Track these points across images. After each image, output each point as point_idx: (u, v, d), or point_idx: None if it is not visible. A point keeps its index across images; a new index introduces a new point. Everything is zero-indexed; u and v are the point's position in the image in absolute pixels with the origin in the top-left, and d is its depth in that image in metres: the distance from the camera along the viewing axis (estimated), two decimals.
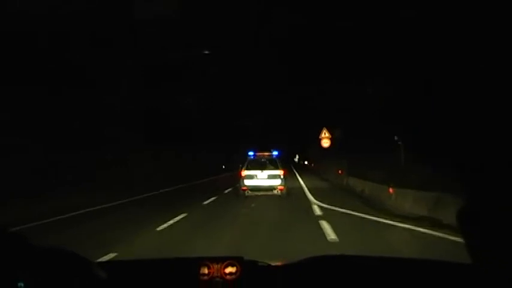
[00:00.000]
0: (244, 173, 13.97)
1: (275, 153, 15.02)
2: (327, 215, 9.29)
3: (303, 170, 38.69)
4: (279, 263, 1.68)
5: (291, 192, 14.40)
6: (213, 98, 31.07)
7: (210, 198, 13.64)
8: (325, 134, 22.13)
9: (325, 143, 22.11)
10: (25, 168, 12.57)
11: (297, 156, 69.72)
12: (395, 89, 13.35)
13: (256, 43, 21.69)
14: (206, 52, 19.43)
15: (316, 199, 12.77)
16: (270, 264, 1.61)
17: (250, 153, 14.85)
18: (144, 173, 20.62)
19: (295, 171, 35.17)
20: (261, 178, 13.88)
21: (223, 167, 40.92)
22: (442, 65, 9.66)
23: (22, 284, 0.98)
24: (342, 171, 19.37)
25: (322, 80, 22.84)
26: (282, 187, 13.75)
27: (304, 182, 21.15)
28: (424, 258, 1.75)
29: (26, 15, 11.73)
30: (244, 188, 13.83)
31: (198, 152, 32.92)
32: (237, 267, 1.48)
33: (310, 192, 15.23)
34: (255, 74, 28.41)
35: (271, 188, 13.75)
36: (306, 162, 51.86)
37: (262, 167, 14.06)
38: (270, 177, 13.90)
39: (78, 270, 1.13)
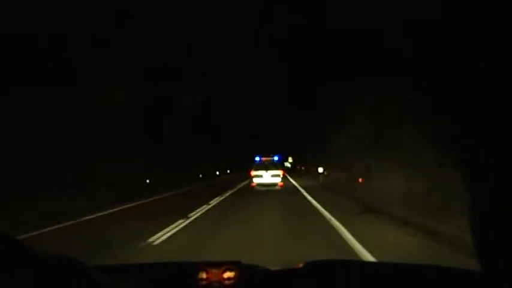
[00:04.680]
0: (253, 173, 17.45)
1: (276, 158, 19.10)
2: None
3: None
4: (277, 268, 1.67)
5: None
6: (212, 98, 31.01)
7: None
8: None
9: None
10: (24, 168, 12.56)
11: (290, 159, 48.91)
12: (395, 88, 13.28)
13: (256, 43, 21.67)
14: None
15: None
16: (268, 269, 1.60)
17: (257, 158, 18.36)
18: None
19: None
20: (265, 177, 17.21)
21: (200, 175, 30.36)
22: (442, 64, 9.65)
23: None
24: None
25: (322, 80, 22.77)
26: (281, 183, 17.29)
27: None
28: (425, 264, 1.73)
29: (26, 15, 11.70)
30: (254, 184, 17.36)
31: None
32: (235, 272, 1.48)
33: None
34: (255, 74, 28.41)
35: (273, 184, 17.06)
36: (321, 170, 25.56)
37: (266, 168, 17.39)
38: (273, 176, 17.24)
39: (76, 276, 1.12)
